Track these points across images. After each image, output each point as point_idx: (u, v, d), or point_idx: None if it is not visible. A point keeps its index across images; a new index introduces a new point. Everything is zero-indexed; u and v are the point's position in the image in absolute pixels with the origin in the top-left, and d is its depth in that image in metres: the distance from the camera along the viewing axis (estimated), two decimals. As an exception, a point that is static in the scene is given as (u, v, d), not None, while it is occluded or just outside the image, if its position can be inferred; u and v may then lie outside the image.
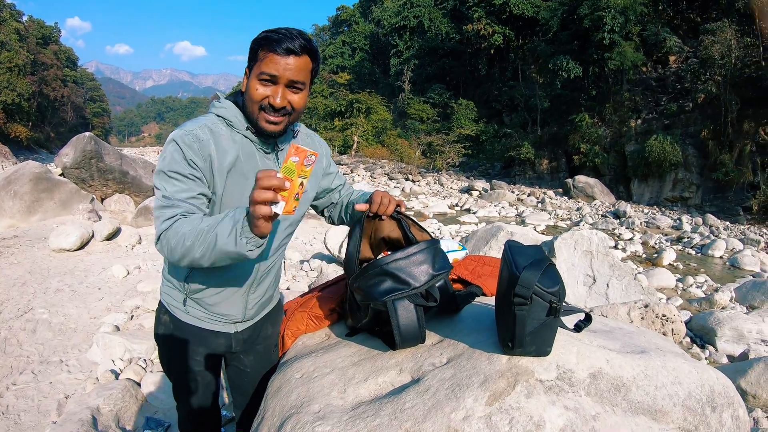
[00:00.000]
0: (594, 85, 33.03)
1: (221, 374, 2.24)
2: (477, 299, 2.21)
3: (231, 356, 2.16)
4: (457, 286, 2.40)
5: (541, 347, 1.54)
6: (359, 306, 1.94)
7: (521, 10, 39.65)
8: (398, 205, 1.97)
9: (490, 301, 2.17)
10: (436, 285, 1.81)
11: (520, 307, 1.46)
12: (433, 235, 2.00)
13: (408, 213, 2.20)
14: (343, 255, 7.35)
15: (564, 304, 1.49)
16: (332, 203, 2.26)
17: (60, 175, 11.71)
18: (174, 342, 2.05)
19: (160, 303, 2.08)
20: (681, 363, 1.62)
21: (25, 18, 72.29)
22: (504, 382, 1.45)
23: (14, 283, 7.06)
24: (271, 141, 1.81)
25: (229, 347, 2.06)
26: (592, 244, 6.65)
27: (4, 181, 10.76)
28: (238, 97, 1.81)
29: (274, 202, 1.35)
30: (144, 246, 8.97)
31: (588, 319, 1.62)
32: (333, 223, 2.35)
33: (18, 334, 5.47)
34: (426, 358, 1.69)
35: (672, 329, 5.07)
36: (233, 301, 1.95)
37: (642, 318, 5.05)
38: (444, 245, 3.00)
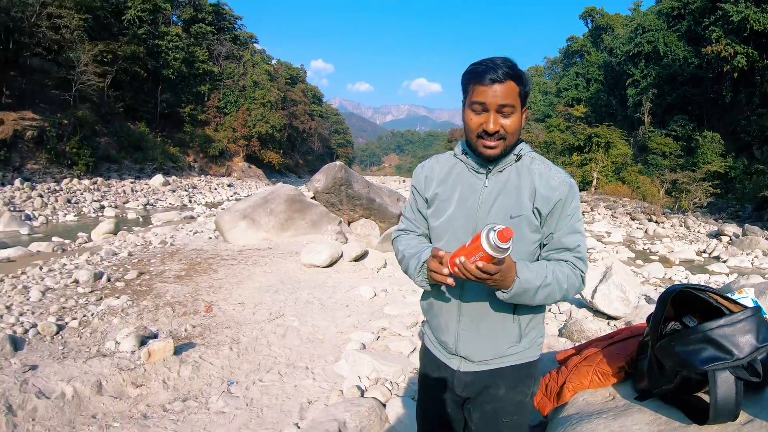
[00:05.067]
0: None
1: (461, 414, 2.17)
2: None
3: (465, 400, 2.13)
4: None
5: None
6: (663, 371, 1.86)
7: (762, 25, 35.35)
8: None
9: None
10: (759, 358, 1.68)
11: None
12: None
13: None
14: (595, 301, 7.00)
15: None
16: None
17: (311, 198, 12.64)
18: (420, 363, 2.30)
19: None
20: None
21: (274, 61, 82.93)
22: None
23: (267, 289, 7.67)
24: (491, 163, 1.94)
25: (452, 385, 2.07)
26: None
27: (262, 199, 11.98)
28: None
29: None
30: (389, 270, 9.30)
31: None
32: None
33: (268, 336, 5.90)
34: (738, 440, 1.48)
35: None
36: (445, 323, 2.03)
37: None
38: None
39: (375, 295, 7.53)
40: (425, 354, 2.22)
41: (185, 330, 5.98)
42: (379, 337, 5.89)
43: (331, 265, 9.04)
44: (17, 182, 28.17)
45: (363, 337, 5.79)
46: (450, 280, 1.69)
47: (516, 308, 1.92)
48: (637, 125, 50.25)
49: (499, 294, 1.74)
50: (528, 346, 2.00)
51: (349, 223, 12.67)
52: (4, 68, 37.27)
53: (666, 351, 1.81)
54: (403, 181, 74.12)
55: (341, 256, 9.34)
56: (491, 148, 1.83)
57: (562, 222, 1.90)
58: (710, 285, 12.53)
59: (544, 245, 1.94)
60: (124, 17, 49.99)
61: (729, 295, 2.85)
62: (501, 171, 1.93)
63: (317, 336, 5.97)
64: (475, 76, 1.79)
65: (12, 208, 21.55)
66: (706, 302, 1.87)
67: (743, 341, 1.64)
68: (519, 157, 1.94)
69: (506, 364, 1.99)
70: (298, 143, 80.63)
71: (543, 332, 2.09)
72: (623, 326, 5.54)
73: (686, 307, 1.97)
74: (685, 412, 1.76)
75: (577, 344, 2.47)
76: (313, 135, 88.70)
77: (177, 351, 5.18)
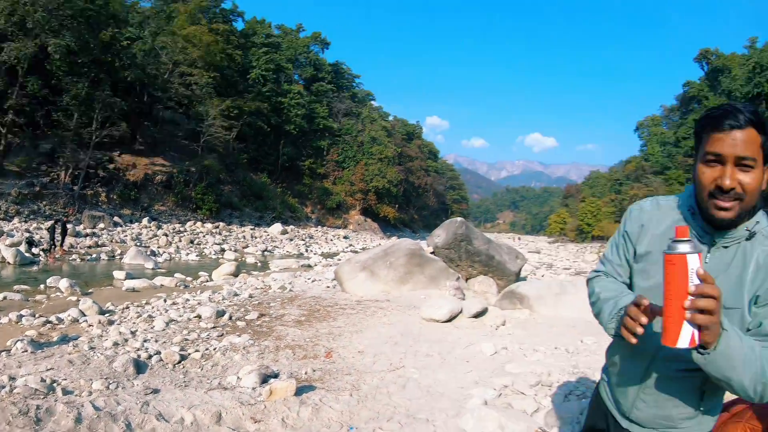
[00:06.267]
0: None
1: None
2: None
3: None
4: None
5: None
6: None
7: None
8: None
9: None
10: None
11: None
12: None
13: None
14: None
15: None
16: None
17: (431, 252, 12.71)
18: (588, 412, 2.21)
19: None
20: None
21: (391, 118, 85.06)
22: None
23: (387, 340, 7.70)
24: (718, 232, 1.67)
25: None
26: None
27: (383, 252, 12.23)
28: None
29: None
30: (509, 328, 9.13)
31: None
32: None
33: (389, 386, 5.86)
34: None
35: None
36: (626, 387, 1.88)
37: None
38: None
39: (496, 352, 7.40)
40: (597, 402, 2.10)
41: (305, 373, 6.08)
42: (501, 394, 5.76)
43: (450, 320, 8.98)
44: (145, 221, 29.96)
45: (485, 393, 5.68)
46: (640, 329, 1.47)
47: (703, 392, 1.73)
48: (765, 173, 47.89)
49: (696, 357, 1.46)
50: (703, 420, 1.81)
51: (467, 280, 12.61)
52: (138, 118, 40.37)
53: None
54: (519, 239, 73.23)
55: (461, 311, 9.26)
56: (725, 210, 1.56)
57: None
58: None
59: (748, 329, 1.62)
60: (249, 76, 54.05)
61: None
62: (726, 247, 1.66)
63: (437, 389, 5.89)
64: (711, 121, 1.57)
65: (138, 243, 22.91)
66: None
67: None
68: (752, 235, 1.63)
69: (677, 431, 1.83)
70: (414, 198, 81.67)
71: (720, 409, 1.90)
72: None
73: None
74: None
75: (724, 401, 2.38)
76: (428, 190, 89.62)
77: (298, 392, 5.24)
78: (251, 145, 53.00)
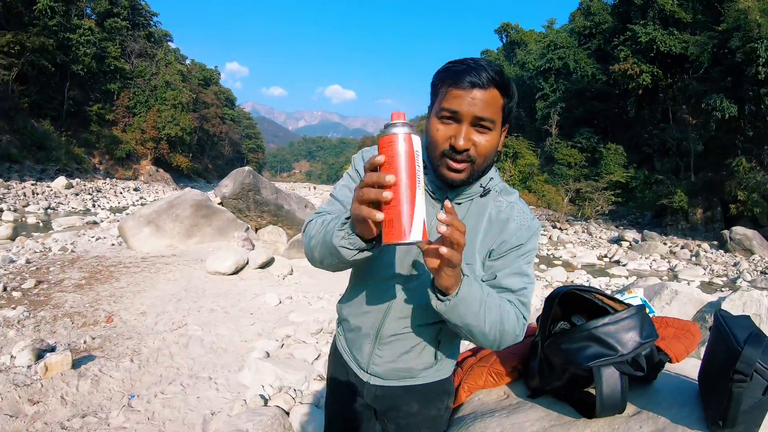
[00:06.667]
0: (750, 125, 30.71)
1: (371, 422, 2.05)
2: (666, 368, 2.08)
3: (376, 412, 1.98)
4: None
5: (749, 427, 1.45)
6: (553, 368, 1.89)
7: (668, 46, 37.63)
8: None
9: (680, 371, 2.05)
10: (643, 353, 1.74)
11: (739, 385, 1.39)
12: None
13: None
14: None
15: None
16: None
17: (219, 203, 12.49)
18: (329, 365, 2.09)
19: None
20: None
21: (188, 61, 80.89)
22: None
23: (171, 298, 7.56)
24: (451, 189, 1.59)
25: (362, 394, 1.90)
26: (761, 307, 6.13)
27: (167, 204, 11.73)
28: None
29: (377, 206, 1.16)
30: (296, 277, 9.30)
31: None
32: None
33: (171, 347, 5.82)
34: (624, 431, 1.63)
35: None
36: (360, 343, 1.82)
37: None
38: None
39: (280, 303, 7.53)
40: (335, 356, 2.02)
41: (84, 342, 5.82)
42: (283, 344, 5.92)
43: (236, 272, 8.98)
44: None
45: (267, 345, 5.80)
46: (380, 216, 1.13)
47: (440, 342, 1.74)
48: (544, 137, 51.95)
49: (437, 304, 1.38)
50: (441, 367, 1.84)
51: (256, 230, 12.59)
52: None
53: (554, 349, 1.84)
54: (314, 188, 73.87)
55: (247, 263, 9.29)
56: (456, 171, 1.47)
57: (512, 262, 1.62)
58: (610, 287, 13.15)
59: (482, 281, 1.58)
60: (35, 7, 47.12)
61: (618, 295, 3.04)
62: (459, 204, 1.61)
63: (221, 345, 5.93)
64: (451, 75, 1.42)
65: None
66: (593, 302, 1.91)
67: (627, 338, 1.70)
68: (486, 192, 1.62)
69: (418, 383, 1.83)
70: (209, 147, 78.99)
71: (458, 353, 1.95)
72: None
73: (575, 307, 2.00)
74: (574, 407, 1.81)
75: (473, 346, 2.55)
76: (224, 139, 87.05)
77: (76, 364, 5.05)
78: (33, 87, 47.56)
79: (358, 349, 1.83)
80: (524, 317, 1.59)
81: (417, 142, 1.14)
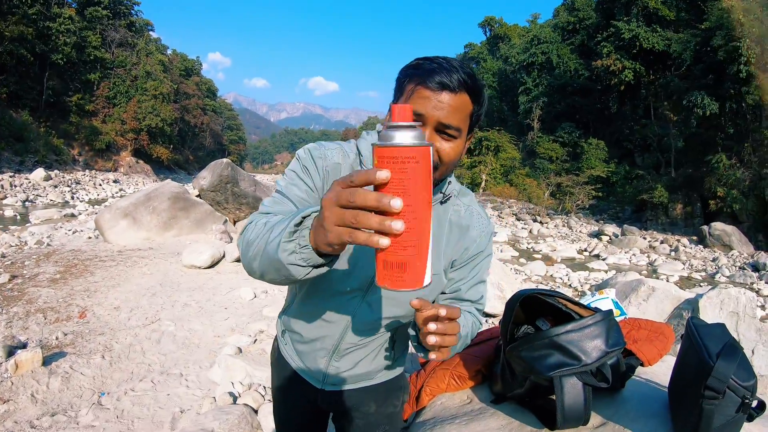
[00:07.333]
0: (731, 122, 31.06)
1: (325, 424, 2.07)
2: (638, 373, 2.06)
3: (331, 415, 1.97)
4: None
5: (723, 445, 1.39)
6: (515, 375, 1.86)
7: (651, 43, 38.19)
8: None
9: (652, 376, 2.03)
10: (608, 363, 1.69)
11: (710, 401, 1.35)
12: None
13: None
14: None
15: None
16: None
17: (197, 196, 12.40)
18: (274, 372, 1.96)
19: (277, 323, 1.94)
20: None
21: (169, 51, 80.00)
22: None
23: (145, 293, 7.49)
24: None
25: (315, 401, 1.83)
26: (739, 305, 6.15)
27: (145, 196, 11.62)
28: None
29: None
30: (272, 271, 9.24)
31: (762, 407, 1.44)
32: None
33: (143, 342, 5.77)
34: (587, 443, 1.57)
35: None
36: (315, 356, 1.72)
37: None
38: (603, 306, 2.83)
39: (255, 297, 7.49)
40: (280, 363, 1.87)
41: (56, 338, 5.75)
42: (256, 340, 5.88)
43: (212, 266, 8.92)
44: None
45: (240, 341, 5.77)
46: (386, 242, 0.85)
47: (395, 341, 1.72)
48: (526, 131, 52.33)
49: (420, 355, 1.33)
50: (396, 365, 1.82)
51: (234, 223, 12.52)
52: None
53: (514, 356, 1.79)
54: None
55: (224, 256, 9.23)
56: None
57: (471, 273, 1.59)
58: (589, 281, 13.19)
59: (443, 293, 1.60)
60: None
61: (589, 295, 3.00)
62: None
63: (193, 341, 5.89)
64: (420, 73, 1.29)
65: None
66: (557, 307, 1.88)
67: (591, 346, 1.64)
68: (447, 199, 1.53)
69: (375, 383, 1.81)
70: (189, 139, 78.36)
71: (408, 348, 1.84)
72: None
73: (541, 309, 1.95)
74: (537, 416, 1.78)
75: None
76: (205, 130, 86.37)
77: (46, 361, 5.01)
78: (11, 77, 46.89)
79: (312, 362, 1.74)
80: (481, 324, 1.60)
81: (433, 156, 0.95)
